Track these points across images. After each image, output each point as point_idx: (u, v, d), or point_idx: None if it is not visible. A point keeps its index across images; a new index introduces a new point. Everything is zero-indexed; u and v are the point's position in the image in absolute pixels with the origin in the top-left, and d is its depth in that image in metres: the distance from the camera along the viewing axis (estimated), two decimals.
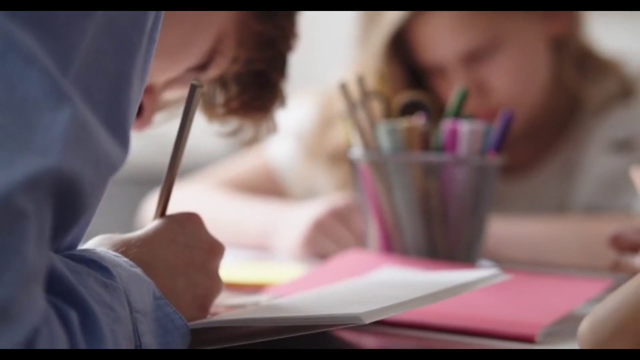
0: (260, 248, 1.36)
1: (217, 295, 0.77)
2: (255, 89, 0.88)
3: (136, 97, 0.66)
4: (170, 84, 0.86)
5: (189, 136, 0.76)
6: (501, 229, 1.29)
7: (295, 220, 1.32)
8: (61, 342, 0.57)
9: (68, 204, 0.60)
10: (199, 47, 0.83)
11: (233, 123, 0.92)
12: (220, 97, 0.88)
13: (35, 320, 0.55)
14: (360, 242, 1.25)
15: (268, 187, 1.57)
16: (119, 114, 0.64)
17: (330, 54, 1.63)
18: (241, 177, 1.57)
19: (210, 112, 0.90)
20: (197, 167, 1.85)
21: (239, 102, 0.88)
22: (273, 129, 0.92)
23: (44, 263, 0.57)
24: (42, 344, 0.55)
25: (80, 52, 0.61)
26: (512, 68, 1.42)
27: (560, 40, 1.48)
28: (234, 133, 0.93)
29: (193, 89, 0.74)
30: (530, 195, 1.52)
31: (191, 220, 0.77)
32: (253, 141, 0.93)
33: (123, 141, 0.64)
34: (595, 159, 1.47)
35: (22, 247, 0.55)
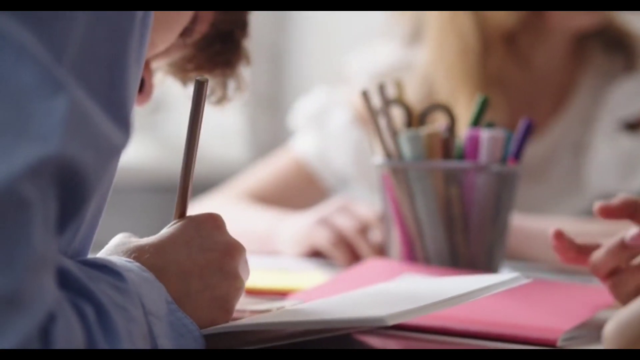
0: (265, 252, 1.37)
1: (238, 295, 0.76)
2: (218, 44, 0.88)
3: (134, 80, 0.66)
4: (159, 54, 0.86)
5: (200, 133, 0.76)
6: (527, 226, 1.30)
7: (298, 220, 1.33)
8: (77, 334, 0.58)
9: (72, 190, 0.60)
10: (187, 17, 0.83)
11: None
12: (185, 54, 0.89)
13: (48, 307, 0.55)
14: (362, 231, 1.25)
15: (304, 181, 1.58)
16: (117, 98, 0.64)
17: (352, 49, 1.64)
18: (275, 181, 1.58)
19: (180, 73, 0.90)
20: (217, 178, 1.85)
21: (203, 57, 0.88)
22: (242, 88, 0.93)
23: (52, 251, 0.58)
24: (58, 333, 0.56)
25: (73, 40, 0.61)
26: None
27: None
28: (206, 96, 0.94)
29: (200, 85, 0.74)
30: (544, 159, 1.52)
31: (208, 222, 0.76)
32: (222, 100, 0.93)
33: (124, 125, 0.65)
34: (605, 142, 1.49)
35: (29, 236, 0.55)
